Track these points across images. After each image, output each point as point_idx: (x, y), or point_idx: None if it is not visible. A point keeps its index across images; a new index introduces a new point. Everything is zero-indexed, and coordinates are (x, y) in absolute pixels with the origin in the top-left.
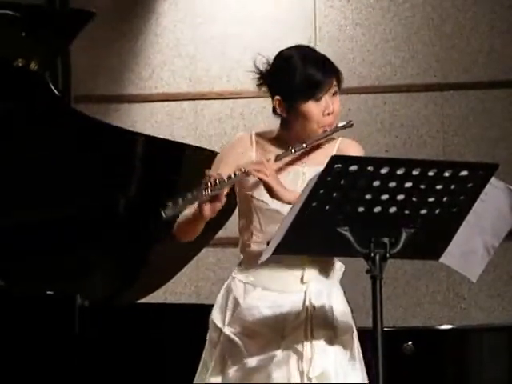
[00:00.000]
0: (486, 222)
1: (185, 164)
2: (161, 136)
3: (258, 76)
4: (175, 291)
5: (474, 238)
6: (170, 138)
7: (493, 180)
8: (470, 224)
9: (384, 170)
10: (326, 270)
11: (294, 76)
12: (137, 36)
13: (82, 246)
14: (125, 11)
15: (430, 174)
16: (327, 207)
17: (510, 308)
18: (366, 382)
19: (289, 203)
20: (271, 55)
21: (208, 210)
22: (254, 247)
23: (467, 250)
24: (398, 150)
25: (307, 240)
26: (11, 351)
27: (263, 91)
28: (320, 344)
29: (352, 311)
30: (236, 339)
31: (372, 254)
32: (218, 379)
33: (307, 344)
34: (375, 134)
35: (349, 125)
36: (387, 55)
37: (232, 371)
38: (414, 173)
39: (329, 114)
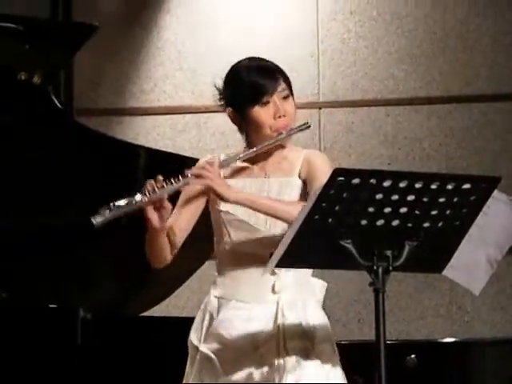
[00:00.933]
0: (488, 235)
1: None
2: (163, 149)
3: (219, 96)
4: (178, 304)
5: (477, 251)
6: (172, 150)
7: (495, 193)
8: (472, 237)
9: (387, 183)
10: (299, 279)
11: (240, 85)
12: (139, 49)
13: (84, 258)
14: (127, 24)
15: (433, 186)
16: (330, 220)
17: None
18: None
19: (237, 203)
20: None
21: (156, 221)
22: (227, 260)
23: (470, 263)
24: (401, 162)
25: (310, 253)
26: (13, 364)
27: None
28: (294, 356)
29: (338, 321)
30: (211, 355)
31: (375, 267)
32: None
33: (280, 356)
34: (378, 147)
35: (305, 126)
36: (390, 68)
37: None
38: (417, 186)
39: (280, 117)
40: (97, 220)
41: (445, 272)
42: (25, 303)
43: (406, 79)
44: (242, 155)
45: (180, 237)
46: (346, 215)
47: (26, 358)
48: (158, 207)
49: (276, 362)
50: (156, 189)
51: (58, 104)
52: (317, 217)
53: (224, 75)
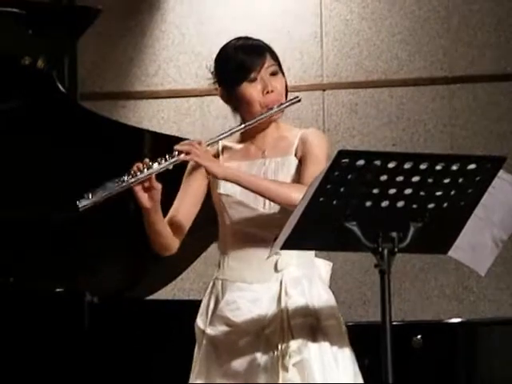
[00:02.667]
0: (494, 215)
1: None
2: (167, 132)
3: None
4: (184, 287)
5: (483, 231)
6: (176, 134)
7: (501, 173)
8: (478, 217)
9: (391, 164)
10: (301, 257)
11: (227, 63)
12: (143, 32)
13: (90, 242)
14: (130, 7)
15: (438, 167)
16: (334, 202)
17: None
18: (357, 370)
19: (224, 179)
20: (278, 50)
21: (146, 200)
22: (229, 242)
23: (476, 243)
24: (406, 143)
25: (315, 235)
26: (20, 348)
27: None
28: (298, 333)
29: (344, 303)
30: (218, 338)
31: (380, 249)
32: (203, 378)
33: (283, 335)
34: (382, 128)
35: (296, 100)
36: (394, 49)
37: (214, 369)
38: (422, 167)
39: (268, 93)
40: (82, 203)
41: (450, 253)
42: (31, 287)
43: (409, 60)
44: (227, 131)
45: (185, 223)
46: (350, 197)
47: (32, 341)
48: (148, 187)
49: (280, 343)
50: (145, 169)
51: (62, 88)
52: (322, 199)
53: None
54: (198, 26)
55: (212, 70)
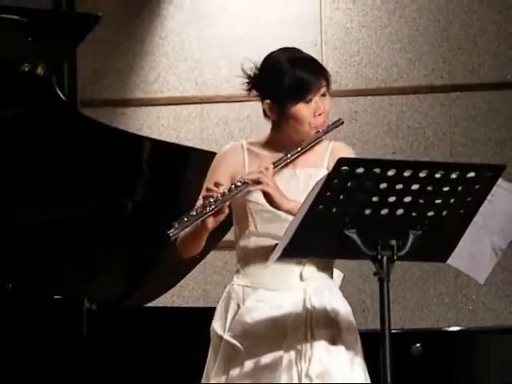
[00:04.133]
0: (493, 224)
1: (191, 167)
2: (167, 140)
3: (246, 81)
4: (183, 295)
5: (482, 239)
6: (176, 141)
7: (500, 181)
8: (477, 225)
9: (391, 172)
10: (324, 268)
11: (283, 79)
12: (142, 39)
13: (89, 249)
14: (130, 14)
15: (437, 175)
16: (334, 209)
17: None
18: (368, 380)
19: (287, 212)
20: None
21: (211, 223)
22: (252, 250)
23: (475, 251)
24: (405, 151)
25: (314, 243)
26: (18, 354)
27: (253, 96)
28: (321, 343)
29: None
30: (237, 344)
31: (379, 257)
32: (221, 382)
33: (307, 343)
34: (382, 136)
35: (339, 123)
36: (393, 57)
37: (233, 374)
38: (421, 175)
39: (320, 115)
40: (173, 233)
41: (449, 261)
42: (29, 294)
43: (409, 68)
44: (290, 156)
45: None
46: (350, 204)
47: (30, 348)
48: (217, 212)
49: (303, 351)
50: (219, 196)
51: (61, 95)
52: (321, 206)
53: (225, 64)
54: (198, 33)
55: (250, 74)
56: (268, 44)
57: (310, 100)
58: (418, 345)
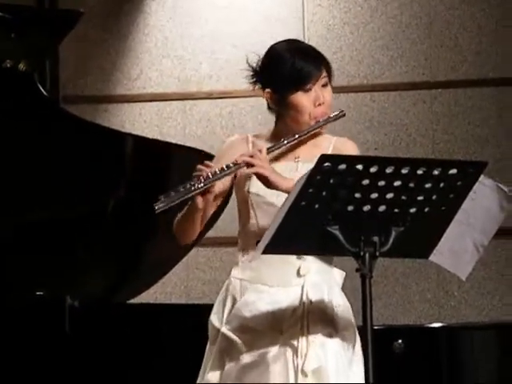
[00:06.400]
0: (475, 220)
1: (174, 163)
2: (149, 136)
3: (251, 74)
4: (165, 291)
5: (464, 236)
6: (158, 137)
7: (482, 178)
8: (459, 222)
9: (373, 169)
10: (323, 263)
11: (283, 67)
12: (125, 36)
13: (71, 246)
14: (113, 11)
15: (419, 172)
16: (316, 206)
17: (499, 306)
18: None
19: (287, 191)
20: (260, 54)
21: (200, 202)
22: (252, 244)
23: (457, 248)
24: (387, 148)
25: (297, 239)
26: (0, 352)
27: (255, 90)
28: (317, 339)
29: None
30: (233, 337)
31: (362, 253)
32: (216, 375)
33: (303, 339)
34: (364, 133)
35: (341, 114)
36: (375, 54)
37: (229, 367)
38: (403, 171)
39: (320, 105)
40: (158, 205)
41: (431, 257)
42: (12, 291)
43: (391, 65)
44: (286, 142)
45: (208, 212)
46: (332, 201)
47: (12, 346)
48: (205, 191)
49: (299, 346)
50: (209, 175)
51: (43, 92)
52: (303, 203)
53: (207, 60)
54: (181, 29)
55: (252, 65)
56: (250, 40)
57: (310, 89)
58: (400, 341)
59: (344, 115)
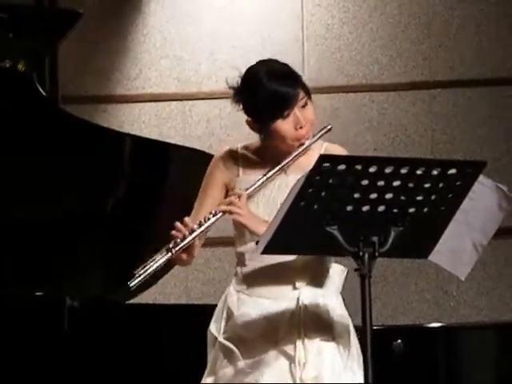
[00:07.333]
0: (474, 220)
1: (173, 164)
2: (149, 136)
3: (234, 95)
4: (165, 291)
5: (463, 236)
6: (158, 138)
7: (481, 178)
8: (458, 222)
9: (372, 169)
10: (318, 277)
11: (259, 97)
12: (124, 36)
13: (70, 247)
14: (112, 11)
15: (419, 172)
16: (315, 206)
17: (498, 306)
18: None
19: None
20: (259, 54)
21: (184, 260)
22: (247, 259)
23: (456, 248)
24: (386, 148)
25: (296, 239)
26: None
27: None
28: (314, 347)
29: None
30: (230, 346)
31: (361, 253)
32: (211, 379)
33: (300, 348)
34: (363, 133)
35: (326, 130)
36: (374, 54)
37: (223, 371)
38: (402, 171)
39: (301, 127)
40: (133, 283)
41: (431, 257)
42: (11, 291)
43: (390, 64)
44: (266, 177)
45: (199, 246)
46: (331, 201)
47: (12, 346)
48: (188, 247)
49: (297, 356)
50: (186, 233)
51: (42, 92)
52: (303, 203)
53: (206, 60)
54: (180, 29)
55: (232, 85)
56: (249, 40)
57: (289, 115)
58: (399, 341)
59: (330, 130)
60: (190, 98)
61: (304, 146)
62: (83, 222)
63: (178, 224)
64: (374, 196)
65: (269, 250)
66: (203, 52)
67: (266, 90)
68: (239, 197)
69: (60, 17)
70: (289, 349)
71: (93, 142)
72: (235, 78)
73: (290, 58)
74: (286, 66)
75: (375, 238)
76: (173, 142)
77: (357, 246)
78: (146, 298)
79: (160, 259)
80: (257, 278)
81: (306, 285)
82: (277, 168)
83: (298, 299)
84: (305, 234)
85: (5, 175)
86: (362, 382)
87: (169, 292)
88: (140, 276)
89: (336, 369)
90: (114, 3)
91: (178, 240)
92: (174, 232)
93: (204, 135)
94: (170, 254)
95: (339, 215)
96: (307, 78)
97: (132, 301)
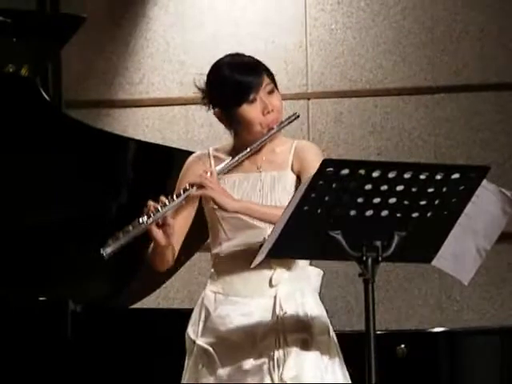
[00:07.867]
0: (477, 225)
1: (176, 168)
2: (152, 141)
3: (202, 96)
4: (168, 296)
5: (466, 240)
6: (161, 142)
7: (484, 182)
8: (461, 227)
9: (376, 174)
10: (295, 272)
11: (224, 84)
12: (127, 41)
13: (73, 251)
14: (115, 16)
15: (422, 177)
16: (319, 211)
17: (502, 310)
18: (348, 380)
19: (235, 212)
20: (262, 59)
21: (161, 237)
22: (223, 257)
23: (459, 252)
24: (390, 153)
25: (299, 244)
26: (2, 356)
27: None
28: (293, 347)
29: (327, 312)
30: (209, 349)
31: (364, 258)
32: None
33: (279, 349)
34: (367, 138)
35: (294, 117)
36: (378, 58)
37: (205, 381)
38: (406, 176)
39: (269, 113)
40: (106, 251)
41: (434, 262)
42: (13, 295)
43: (394, 69)
44: (237, 158)
45: (179, 238)
46: (335, 206)
47: (14, 350)
48: (161, 225)
49: (275, 356)
50: (159, 208)
51: (45, 96)
52: (306, 208)
53: (209, 65)
54: (183, 34)
55: (202, 86)
56: (253, 46)
57: (255, 99)
58: (402, 346)
59: (298, 117)
60: (193, 103)
61: (273, 131)
62: (86, 226)
63: (150, 201)
64: (377, 200)
65: (272, 254)
66: (206, 57)
67: (229, 78)
68: (210, 173)
69: (63, 22)
70: (268, 348)
71: (96, 146)
72: (202, 80)
73: (293, 63)
74: (249, 57)
75: (379, 243)
76: (176, 146)
77: (360, 251)
78: (148, 302)
79: (132, 230)
80: (233, 277)
81: (282, 282)
82: (246, 150)
83: (274, 297)
84: (308, 239)
85: (9, 179)
86: (343, 381)
87: (172, 297)
88: (112, 245)
89: (316, 368)
90: (117, 8)
91: (150, 212)
92: (147, 205)
93: (207, 139)
94: (143, 224)
95: (342, 220)
96: (310, 83)
97: (135, 305)
